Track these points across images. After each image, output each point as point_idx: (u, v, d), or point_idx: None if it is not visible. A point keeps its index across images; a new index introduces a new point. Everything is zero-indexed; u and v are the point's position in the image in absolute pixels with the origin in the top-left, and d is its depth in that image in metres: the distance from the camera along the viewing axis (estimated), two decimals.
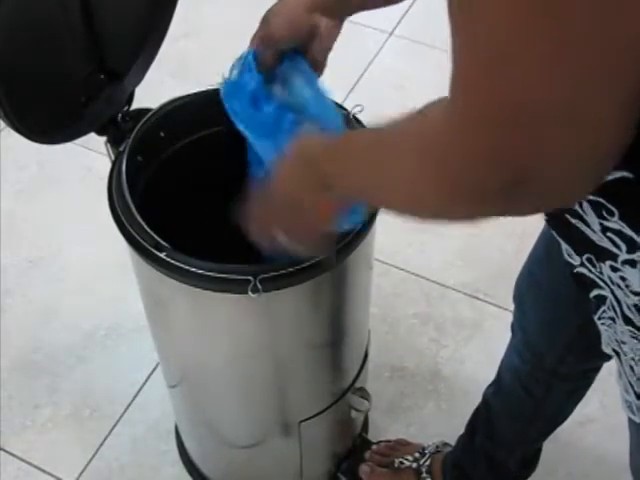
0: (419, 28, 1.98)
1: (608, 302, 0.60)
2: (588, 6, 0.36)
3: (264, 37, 0.79)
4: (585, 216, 0.55)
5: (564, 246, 0.62)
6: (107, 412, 1.42)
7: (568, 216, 0.56)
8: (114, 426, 1.41)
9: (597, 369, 1.05)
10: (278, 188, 0.68)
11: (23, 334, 1.53)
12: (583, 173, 0.43)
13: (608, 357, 0.94)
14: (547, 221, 0.62)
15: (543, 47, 0.38)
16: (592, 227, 0.55)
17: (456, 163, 0.45)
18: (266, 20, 0.78)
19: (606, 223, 0.53)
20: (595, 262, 0.58)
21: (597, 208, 0.53)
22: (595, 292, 0.61)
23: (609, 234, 0.54)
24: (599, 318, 0.62)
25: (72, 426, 1.41)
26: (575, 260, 0.61)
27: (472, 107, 0.42)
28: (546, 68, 0.38)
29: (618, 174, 0.49)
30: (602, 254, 0.56)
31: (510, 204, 0.46)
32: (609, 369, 1.05)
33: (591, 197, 0.53)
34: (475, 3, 0.39)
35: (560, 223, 0.59)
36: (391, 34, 1.99)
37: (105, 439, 1.39)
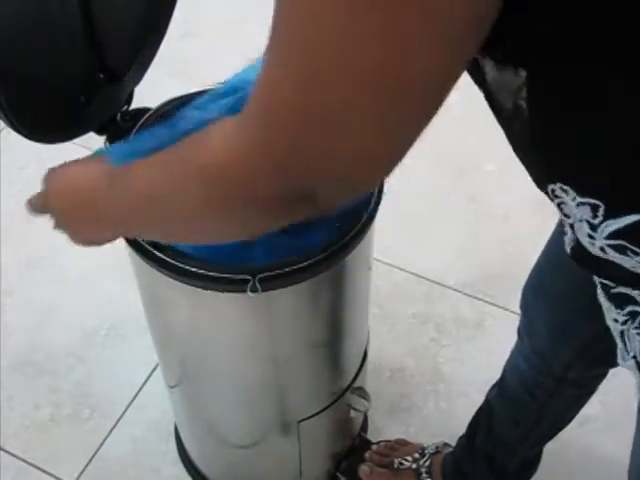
0: None
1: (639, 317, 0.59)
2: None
3: None
4: (611, 258, 0.54)
5: (597, 279, 0.62)
6: (107, 412, 1.42)
7: (599, 254, 0.56)
8: (114, 426, 1.41)
9: (604, 375, 1.04)
10: (52, 201, 0.69)
11: (23, 334, 1.53)
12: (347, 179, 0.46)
13: (615, 365, 0.94)
14: (576, 263, 0.61)
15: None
16: (624, 260, 0.55)
17: (241, 176, 0.46)
18: None
19: (635, 260, 0.53)
20: (631, 288, 0.58)
21: (621, 250, 0.52)
22: (629, 308, 0.60)
23: None
24: (635, 328, 0.62)
25: (72, 426, 1.41)
26: (611, 282, 0.60)
27: (261, 116, 0.44)
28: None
29: (634, 217, 0.49)
30: (637, 281, 0.56)
31: (293, 210, 0.49)
32: (610, 370, 1.05)
33: (611, 241, 0.52)
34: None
35: (587, 259, 0.58)
36: None
37: (105, 439, 1.39)
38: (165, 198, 0.54)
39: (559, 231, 0.73)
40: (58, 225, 0.72)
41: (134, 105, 0.96)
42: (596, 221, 0.52)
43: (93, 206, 0.63)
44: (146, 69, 0.94)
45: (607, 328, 0.64)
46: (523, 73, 0.46)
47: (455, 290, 1.58)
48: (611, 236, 0.52)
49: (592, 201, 0.51)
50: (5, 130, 1.72)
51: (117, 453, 1.38)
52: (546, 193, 0.54)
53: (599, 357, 0.95)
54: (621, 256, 0.53)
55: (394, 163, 0.47)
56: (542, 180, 0.54)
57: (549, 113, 0.49)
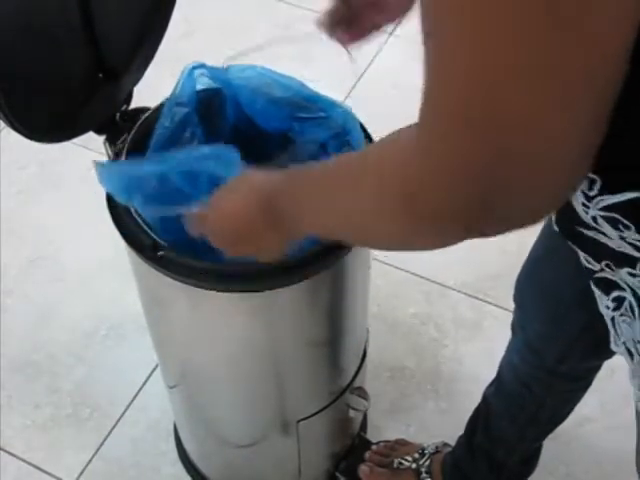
0: (419, 28, 1.98)
1: (626, 303, 0.60)
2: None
3: None
4: (601, 228, 0.54)
5: (581, 254, 0.62)
6: (107, 412, 1.42)
7: (582, 229, 0.56)
8: (114, 426, 1.41)
9: (597, 368, 1.05)
10: (221, 222, 0.67)
11: (23, 334, 1.53)
12: (550, 189, 0.43)
13: (608, 356, 0.94)
14: (561, 233, 0.62)
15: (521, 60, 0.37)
16: (609, 236, 0.55)
17: (423, 186, 0.44)
18: None
19: (623, 234, 0.53)
20: (614, 268, 0.58)
21: (613, 222, 0.52)
22: (615, 294, 0.60)
23: (628, 240, 0.53)
24: (621, 315, 0.62)
25: (72, 426, 1.41)
26: (595, 266, 0.61)
27: (442, 120, 0.41)
28: (523, 81, 0.37)
29: (632, 195, 0.49)
30: (621, 260, 0.56)
31: (476, 224, 0.45)
32: (608, 369, 1.05)
33: (604, 213, 0.52)
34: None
35: (574, 235, 0.58)
36: (391, 34, 1.99)
37: (105, 439, 1.39)
38: (344, 197, 0.53)
39: (548, 224, 0.73)
40: (220, 245, 0.70)
41: (134, 104, 0.96)
42: (591, 193, 0.52)
43: (270, 206, 0.61)
44: (145, 69, 0.94)
45: (597, 317, 0.65)
46: None
47: (455, 290, 1.58)
48: (605, 209, 0.52)
49: (590, 175, 0.51)
50: (5, 130, 1.72)
51: (117, 453, 1.38)
52: None
53: (590, 348, 0.95)
54: (611, 229, 0.53)
55: (583, 173, 0.43)
56: None
57: None
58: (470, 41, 0.38)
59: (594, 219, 0.54)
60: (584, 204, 0.54)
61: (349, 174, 0.54)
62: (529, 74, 0.37)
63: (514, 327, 1.07)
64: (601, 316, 0.65)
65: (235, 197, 0.66)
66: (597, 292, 0.63)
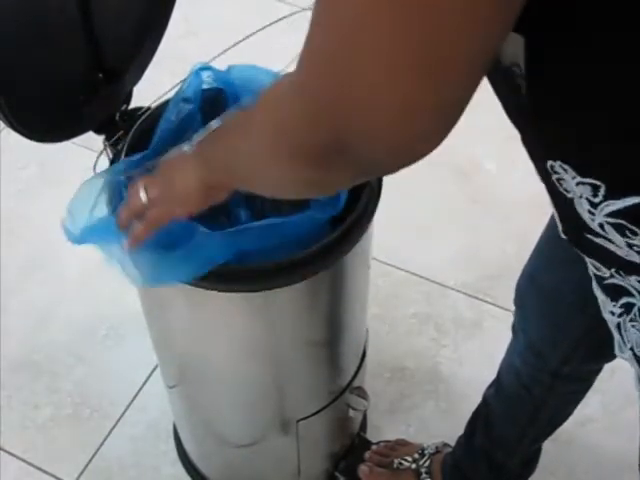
0: None
1: (635, 309, 0.60)
2: None
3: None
4: (608, 235, 0.54)
5: (590, 261, 0.62)
6: (107, 412, 1.42)
7: (590, 237, 0.56)
8: (114, 426, 1.41)
9: (598, 370, 1.05)
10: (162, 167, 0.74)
11: (23, 334, 1.53)
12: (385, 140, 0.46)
13: (610, 359, 0.94)
14: (569, 242, 0.61)
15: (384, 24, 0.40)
16: (618, 244, 0.55)
17: (290, 124, 0.50)
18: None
19: (630, 241, 0.53)
20: (623, 275, 0.58)
21: (620, 228, 0.52)
22: (624, 300, 0.60)
23: (635, 249, 0.53)
24: (630, 321, 0.62)
25: (72, 426, 1.41)
26: (604, 273, 0.60)
27: (308, 72, 0.47)
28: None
29: (636, 199, 0.49)
30: (630, 267, 0.56)
31: (333, 166, 0.50)
32: (609, 370, 1.05)
33: (610, 219, 0.52)
34: None
35: (582, 243, 0.58)
36: None
37: (105, 439, 1.39)
38: (240, 147, 0.60)
39: (551, 225, 0.73)
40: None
41: (134, 104, 0.96)
42: (596, 200, 0.52)
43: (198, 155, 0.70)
44: (145, 69, 0.94)
45: (600, 321, 0.65)
46: (521, 40, 0.46)
47: (455, 290, 1.58)
48: (611, 215, 0.52)
49: (593, 181, 0.50)
50: (5, 130, 1.72)
51: (117, 453, 1.38)
52: (543, 168, 0.54)
53: (593, 350, 0.95)
54: (619, 236, 0.53)
55: (443, 124, 0.45)
56: (541, 156, 0.54)
57: (548, 98, 0.49)
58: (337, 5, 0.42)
59: (601, 226, 0.54)
60: (590, 211, 0.53)
61: (242, 118, 0.62)
62: (378, 41, 0.41)
63: (515, 329, 1.07)
64: (603, 320, 0.65)
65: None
66: (601, 298, 0.63)
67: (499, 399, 1.14)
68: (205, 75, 0.93)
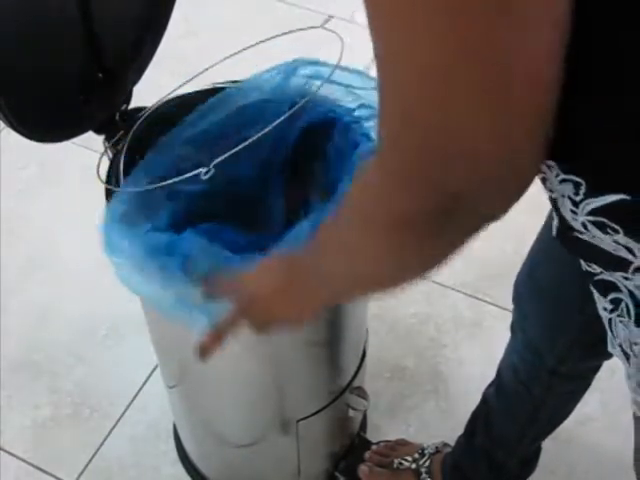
0: None
1: (622, 305, 0.60)
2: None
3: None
4: (592, 234, 0.55)
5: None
6: (107, 412, 1.42)
7: (576, 234, 0.56)
8: (114, 426, 1.41)
9: (597, 368, 1.05)
10: (256, 295, 0.70)
11: (23, 334, 1.53)
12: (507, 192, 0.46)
13: (608, 356, 0.94)
14: (560, 242, 0.62)
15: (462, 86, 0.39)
16: (604, 241, 0.55)
17: (390, 198, 0.48)
18: None
19: (614, 238, 0.53)
20: (612, 271, 0.58)
21: (601, 226, 0.53)
22: (612, 295, 0.60)
23: (621, 243, 0.54)
24: (618, 316, 0.62)
25: (72, 426, 1.41)
26: (595, 269, 0.61)
27: (398, 149, 0.44)
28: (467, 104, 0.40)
29: (615, 197, 0.49)
30: (618, 264, 0.56)
31: (449, 230, 0.49)
32: (609, 369, 1.05)
33: (592, 218, 0.53)
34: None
35: (570, 241, 0.58)
36: None
37: (105, 439, 1.39)
38: (346, 247, 0.57)
39: (549, 223, 0.73)
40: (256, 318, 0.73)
41: (134, 104, 0.96)
42: (577, 198, 0.52)
43: (297, 282, 0.66)
44: (145, 69, 0.94)
45: (597, 318, 0.65)
46: None
47: (455, 290, 1.58)
48: (592, 213, 0.52)
49: (575, 178, 0.51)
50: (5, 130, 1.72)
51: (117, 453, 1.38)
52: None
53: (590, 348, 0.95)
54: (601, 234, 0.53)
55: (539, 151, 0.45)
56: None
57: None
58: (403, 60, 0.40)
59: (584, 226, 0.54)
60: (572, 210, 0.54)
61: (338, 227, 0.58)
62: (464, 85, 0.40)
63: (513, 328, 1.07)
64: (599, 318, 0.65)
65: (266, 272, 0.69)
66: (596, 294, 0.63)
67: (499, 398, 1.14)
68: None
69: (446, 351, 1.49)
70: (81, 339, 1.51)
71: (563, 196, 0.53)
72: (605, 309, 0.62)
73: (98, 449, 1.38)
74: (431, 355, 1.49)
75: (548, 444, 1.20)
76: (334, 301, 0.68)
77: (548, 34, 0.39)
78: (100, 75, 0.87)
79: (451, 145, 0.42)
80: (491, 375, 1.16)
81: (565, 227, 0.57)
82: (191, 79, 0.95)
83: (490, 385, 1.16)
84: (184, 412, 1.21)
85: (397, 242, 0.51)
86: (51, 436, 1.40)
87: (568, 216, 0.55)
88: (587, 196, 0.51)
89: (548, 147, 0.46)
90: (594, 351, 0.95)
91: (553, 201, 0.56)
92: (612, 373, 1.06)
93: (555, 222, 0.59)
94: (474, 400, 1.20)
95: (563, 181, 0.52)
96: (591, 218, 0.52)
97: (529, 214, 1.70)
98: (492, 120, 0.41)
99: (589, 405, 1.13)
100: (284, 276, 0.67)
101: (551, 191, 0.55)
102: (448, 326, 1.53)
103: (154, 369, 1.45)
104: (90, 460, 1.37)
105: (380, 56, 0.41)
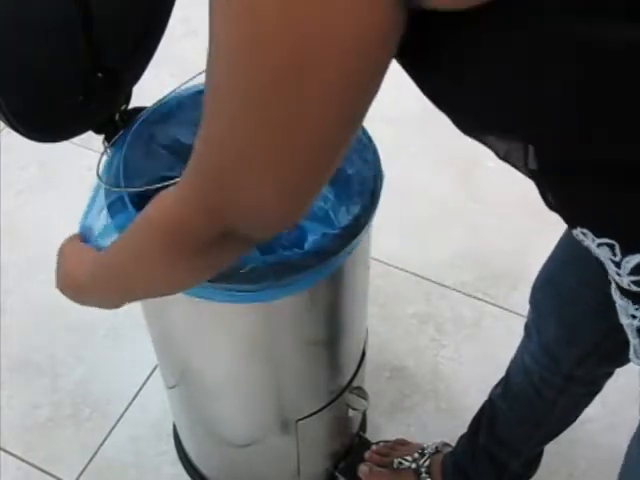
0: None
1: None
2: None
3: None
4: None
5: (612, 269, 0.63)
6: (107, 412, 1.42)
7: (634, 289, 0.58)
8: (114, 426, 1.41)
9: (610, 374, 1.04)
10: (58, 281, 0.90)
11: (23, 334, 1.53)
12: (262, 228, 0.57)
13: (623, 363, 0.94)
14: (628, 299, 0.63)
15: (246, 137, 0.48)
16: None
17: (177, 226, 0.57)
18: None
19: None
20: None
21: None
22: None
23: None
24: None
25: (72, 426, 1.41)
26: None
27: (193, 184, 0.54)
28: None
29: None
30: None
31: (224, 249, 0.59)
32: None
33: (634, 277, 0.56)
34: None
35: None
36: None
37: (105, 439, 1.39)
38: (130, 260, 0.66)
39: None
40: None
41: (134, 104, 0.96)
42: (617, 259, 0.55)
43: (84, 288, 0.82)
44: (144, 69, 0.94)
45: (617, 326, 0.65)
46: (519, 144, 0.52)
47: (455, 290, 1.58)
48: (633, 272, 0.55)
49: (608, 241, 0.54)
50: (5, 130, 1.72)
51: (117, 453, 1.38)
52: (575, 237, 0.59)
53: (608, 355, 0.95)
54: None
55: (289, 217, 0.56)
56: (568, 225, 0.59)
57: (552, 177, 0.55)
58: (215, 124, 0.50)
59: (629, 286, 0.57)
60: (617, 273, 0.56)
61: (126, 239, 0.67)
62: (257, 161, 0.49)
63: (528, 328, 1.06)
64: (620, 325, 0.65)
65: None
66: (620, 302, 0.63)
67: (506, 399, 1.13)
68: None
69: (446, 351, 1.49)
70: (81, 339, 1.51)
71: (605, 259, 0.56)
72: (634, 317, 0.62)
73: (98, 449, 1.38)
74: (431, 355, 1.49)
75: (549, 445, 1.20)
76: (124, 303, 0.78)
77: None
78: (100, 75, 0.87)
79: (239, 198, 0.52)
80: (491, 375, 1.16)
81: (622, 289, 0.59)
82: (191, 79, 0.95)
83: (497, 386, 1.15)
84: (184, 412, 1.21)
85: (170, 261, 0.60)
86: (51, 436, 1.40)
87: (617, 278, 0.57)
88: (624, 254, 0.54)
89: (575, 217, 0.55)
90: (612, 358, 0.95)
91: (601, 265, 0.59)
92: (613, 374, 1.06)
93: (613, 285, 0.61)
94: (474, 400, 1.20)
95: (600, 245, 0.55)
96: (633, 278, 0.55)
97: (529, 215, 1.71)
98: (273, 190, 0.51)
99: (590, 406, 1.12)
100: (88, 276, 0.80)
101: (597, 255, 0.58)
102: (448, 326, 1.53)
103: (154, 369, 1.45)
104: (90, 460, 1.37)
105: (203, 122, 0.51)
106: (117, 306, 0.78)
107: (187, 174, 0.54)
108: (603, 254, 0.56)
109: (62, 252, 0.92)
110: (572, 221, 0.57)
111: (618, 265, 0.55)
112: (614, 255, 0.55)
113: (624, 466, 0.75)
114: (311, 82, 0.44)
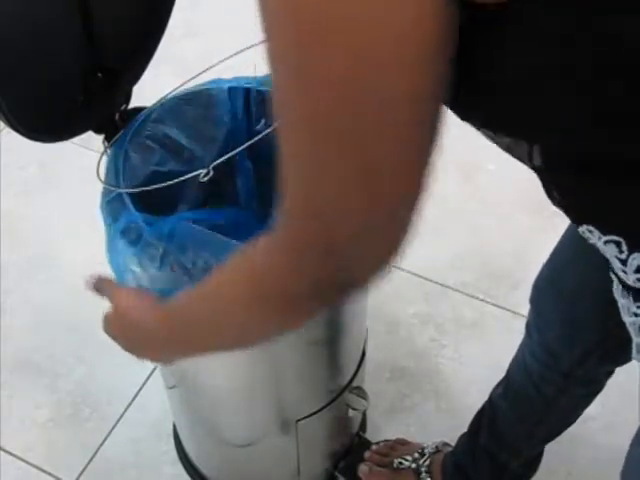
0: None
1: None
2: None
3: None
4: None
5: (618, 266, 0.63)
6: (107, 412, 1.42)
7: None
8: (114, 426, 1.41)
9: (611, 373, 1.04)
10: (125, 329, 0.80)
11: (23, 334, 1.53)
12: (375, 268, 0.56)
13: (625, 362, 0.94)
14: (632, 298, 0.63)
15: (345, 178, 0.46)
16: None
17: (274, 280, 0.54)
18: None
19: None
20: None
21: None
22: None
23: None
24: None
25: (72, 426, 1.41)
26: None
27: (293, 235, 0.51)
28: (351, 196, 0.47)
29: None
30: None
31: (324, 302, 0.57)
32: None
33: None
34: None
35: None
36: None
37: (105, 439, 1.39)
38: (219, 314, 0.62)
39: (572, 226, 0.74)
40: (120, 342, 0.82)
41: (134, 104, 0.96)
42: (623, 256, 0.55)
43: (155, 344, 0.76)
44: (144, 68, 0.94)
45: (618, 325, 0.65)
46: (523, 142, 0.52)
47: (455, 290, 1.58)
48: (639, 269, 0.54)
49: (615, 238, 0.54)
50: (5, 130, 1.72)
51: (117, 453, 1.38)
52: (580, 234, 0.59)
53: (609, 354, 0.95)
54: None
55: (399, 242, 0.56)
56: (574, 222, 0.59)
57: (559, 174, 0.54)
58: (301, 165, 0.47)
59: (635, 284, 0.56)
60: (623, 270, 0.56)
61: (210, 292, 0.63)
62: (356, 190, 0.47)
63: (529, 328, 1.05)
64: (622, 323, 0.65)
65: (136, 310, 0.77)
66: (622, 301, 0.63)
67: (507, 399, 1.13)
68: None
69: (446, 351, 1.49)
70: (81, 339, 1.51)
71: (611, 256, 0.56)
72: (637, 315, 0.62)
73: (98, 449, 1.38)
74: (431, 355, 1.49)
75: (549, 444, 1.20)
76: (192, 355, 0.76)
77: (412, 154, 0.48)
78: (100, 75, 0.87)
79: (359, 243, 0.51)
80: (492, 375, 1.16)
81: (626, 287, 0.59)
82: (191, 79, 0.95)
83: (497, 386, 1.15)
84: (184, 412, 1.21)
85: (262, 313, 0.57)
86: (51, 436, 1.40)
87: (622, 276, 0.57)
88: (631, 251, 0.54)
89: (581, 214, 0.55)
90: (614, 356, 0.95)
91: (608, 262, 0.59)
92: (613, 374, 1.06)
93: (615, 283, 0.61)
94: (474, 400, 1.20)
95: (606, 242, 0.55)
96: (639, 276, 0.55)
97: (529, 214, 1.71)
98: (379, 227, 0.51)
99: (590, 405, 1.12)
100: (152, 328, 0.74)
101: (603, 253, 0.57)
102: (448, 326, 1.53)
103: (154, 369, 1.45)
104: (90, 460, 1.37)
105: (287, 154, 0.48)
106: (185, 357, 0.77)
107: (281, 220, 0.51)
108: (609, 251, 0.56)
109: (122, 303, 0.83)
110: (578, 218, 0.57)
111: (624, 263, 0.55)
112: (620, 252, 0.55)
113: (625, 468, 0.75)
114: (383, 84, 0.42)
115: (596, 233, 0.55)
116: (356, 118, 0.43)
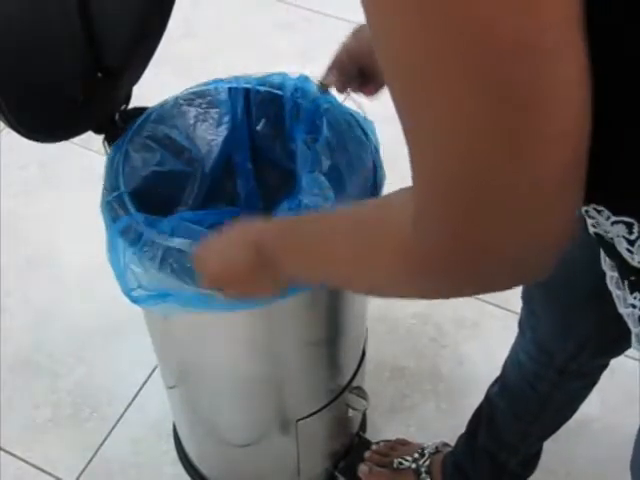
0: None
1: None
2: None
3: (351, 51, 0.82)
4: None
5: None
6: (107, 412, 1.42)
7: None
8: (114, 426, 1.41)
9: (605, 366, 1.05)
10: (218, 266, 0.72)
11: (23, 334, 1.53)
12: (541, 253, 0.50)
13: (618, 354, 0.94)
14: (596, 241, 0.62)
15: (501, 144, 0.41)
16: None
17: (421, 251, 0.48)
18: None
19: None
20: None
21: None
22: None
23: None
24: None
25: (72, 426, 1.41)
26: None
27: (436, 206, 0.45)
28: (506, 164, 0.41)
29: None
30: None
31: (477, 279, 0.50)
32: (609, 369, 1.05)
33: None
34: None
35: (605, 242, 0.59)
36: None
37: (105, 439, 1.39)
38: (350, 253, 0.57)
39: None
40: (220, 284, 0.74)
41: (134, 104, 0.96)
42: (632, 237, 0.53)
43: (267, 259, 0.65)
44: (144, 68, 0.94)
45: (610, 318, 0.64)
46: None
47: None
48: None
49: (626, 219, 0.52)
50: (5, 130, 1.72)
51: (117, 453, 1.38)
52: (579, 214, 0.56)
53: (602, 347, 0.95)
54: None
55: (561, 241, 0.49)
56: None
57: None
58: (447, 133, 0.41)
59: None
60: (628, 250, 0.55)
61: (345, 228, 0.58)
62: (510, 160, 0.41)
63: (522, 325, 1.06)
64: (615, 317, 0.64)
65: (231, 244, 0.70)
66: (617, 292, 0.63)
67: (503, 397, 1.13)
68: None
69: (446, 351, 1.49)
70: (81, 339, 1.51)
71: (618, 236, 0.54)
72: (634, 306, 0.62)
73: (98, 449, 1.38)
74: (431, 355, 1.49)
75: (548, 444, 1.20)
76: (299, 283, 0.70)
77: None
78: (100, 75, 0.87)
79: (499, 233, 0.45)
80: (492, 375, 1.16)
81: (628, 268, 0.57)
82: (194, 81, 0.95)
83: (493, 384, 1.16)
84: (184, 412, 1.21)
85: (417, 279, 0.52)
86: (51, 436, 1.40)
87: (625, 254, 0.56)
88: None
89: (593, 193, 0.48)
90: (606, 349, 0.95)
91: (610, 242, 0.57)
92: (612, 373, 1.06)
93: (609, 272, 0.59)
94: (474, 400, 1.20)
95: (615, 223, 0.53)
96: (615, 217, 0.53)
97: None
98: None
99: (589, 405, 1.12)
100: (250, 260, 0.67)
101: (606, 232, 0.56)
102: (448, 326, 1.53)
103: (154, 369, 1.45)
104: (90, 460, 1.37)
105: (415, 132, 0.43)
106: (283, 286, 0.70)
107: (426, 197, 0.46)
108: (616, 231, 0.54)
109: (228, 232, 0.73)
110: (586, 200, 0.53)
111: (632, 243, 0.54)
112: (630, 233, 0.53)
113: (633, 457, 0.75)
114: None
115: (605, 213, 0.53)
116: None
